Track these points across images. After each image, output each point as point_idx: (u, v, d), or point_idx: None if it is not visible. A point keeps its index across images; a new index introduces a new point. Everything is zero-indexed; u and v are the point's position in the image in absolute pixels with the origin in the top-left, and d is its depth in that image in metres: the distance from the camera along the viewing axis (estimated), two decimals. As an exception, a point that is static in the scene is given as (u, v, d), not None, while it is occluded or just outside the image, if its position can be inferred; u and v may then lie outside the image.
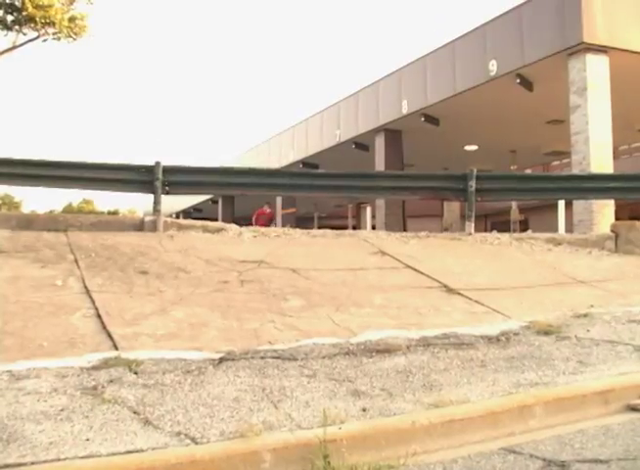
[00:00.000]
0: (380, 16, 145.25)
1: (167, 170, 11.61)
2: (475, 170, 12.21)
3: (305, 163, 28.83)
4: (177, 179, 11.84)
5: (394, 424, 4.09)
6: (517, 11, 18.11)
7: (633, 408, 4.77)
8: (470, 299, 7.88)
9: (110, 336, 5.85)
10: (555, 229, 16.59)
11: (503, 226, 25.60)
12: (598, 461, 3.59)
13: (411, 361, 5.60)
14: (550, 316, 7.23)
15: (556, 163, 30.87)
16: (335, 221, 38.53)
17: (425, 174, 13.20)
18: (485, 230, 27.03)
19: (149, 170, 11.52)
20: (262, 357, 5.54)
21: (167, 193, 11.64)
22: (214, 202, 39.12)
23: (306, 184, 12.47)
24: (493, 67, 18.58)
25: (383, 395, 4.74)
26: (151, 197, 11.63)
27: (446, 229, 25.09)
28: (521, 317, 7.12)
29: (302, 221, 33.82)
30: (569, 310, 7.54)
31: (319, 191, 13.06)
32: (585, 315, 7.32)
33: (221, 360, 5.40)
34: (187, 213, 45.52)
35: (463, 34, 20.17)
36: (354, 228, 33.33)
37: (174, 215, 43.29)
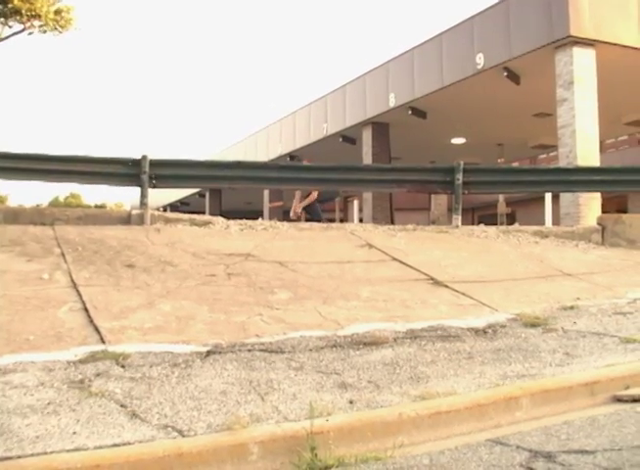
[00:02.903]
0: (367, 9, 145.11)
1: (154, 164, 11.56)
2: (462, 163, 12.23)
3: (293, 156, 28.81)
4: (164, 173, 11.79)
5: (381, 416, 4.09)
6: (504, 4, 18.16)
7: (619, 399, 4.79)
8: (457, 291, 7.89)
9: (97, 329, 5.84)
10: (542, 222, 16.65)
11: (490, 219, 25.68)
12: (584, 452, 3.61)
13: (398, 354, 5.61)
14: (537, 309, 7.26)
15: (543, 156, 31.02)
16: (323, 215, 38.54)
17: (412, 167, 13.19)
18: (473, 223, 27.09)
19: (136, 164, 11.47)
20: (250, 350, 5.54)
21: (154, 186, 11.59)
22: (202, 195, 39.05)
23: (294, 177, 12.45)
24: (480, 60, 18.64)
25: (370, 387, 4.75)
26: (138, 190, 11.59)
27: (434, 222, 25.21)
28: (507, 310, 7.15)
29: (289, 215, 33.78)
30: (555, 303, 7.57)
31: (307, 184, 13.07)
32: (572, 308, 7.35)
33: (209, 353, 5.40)
34: (174, 207, 45.38)
35: (450, 27, 20.20)
36: (342, 221, 33.32)
37: (162, 209, 43.18)
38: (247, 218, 12.15)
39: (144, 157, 11.44)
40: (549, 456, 3.54)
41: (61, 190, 75.45)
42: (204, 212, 34.30)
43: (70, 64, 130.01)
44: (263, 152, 31.84)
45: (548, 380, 4.87)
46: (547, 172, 13.65)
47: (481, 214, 36.03)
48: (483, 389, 4.68)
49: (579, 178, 13.02)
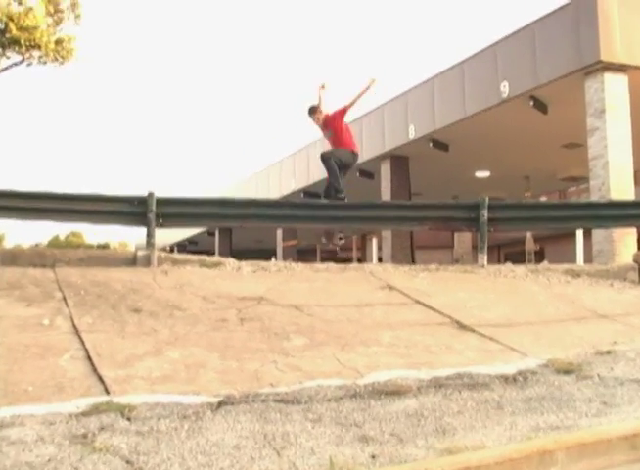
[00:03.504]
0: (384, 37, 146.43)
1: (161, 202, 11.62)
2: (487, 199, 12.23)
3: (307, 192, 28.89)
4: (172, 211, 11.86)
5: (406, 473, 4.06)
6: (529, 29, 18.15)
7: (662, 453, 4.74)
8: (484, 335, 7.85)
9: (100, 379, 5.83)
10: (573, 260, 16.63)
11: (517, 257, 25.63)
12: (626, 511, 3.56)
13: (422, 404, 5.57)
14: (570, 354, 7.20)
15: (573, 189, 30.90)
16: (339, 254, 38.59)
17: (434, 203, 13.26)
18: (499, 261, 27.00)
19: (142, 202, 11.53)
20: (264, 401, 5.51)
21: (162, 226, 11.65)
22: (211, 234, 39.18)
23: (309, 215, 12.48)
24: (505, 88, 18.65)
25: (393, 440, 4.71)
26: (143, 229, 11.64)
27: (457, 261, 25.17)
28: (539, 355, 7.09)
29: (304, 254, 33.84)
30: (590, 347, 7.51)
31: (322, 222, 13.09)
32: (608, 352, 7.28)
33: (220, 404, 5.37)
34: (182, 246, 45.54)
35: (472, 55, 20.25)
36: (359, 261, 33.34)
37: (168, 248, 43.34)
38: (259, 257, 12.19)
39: (150, 194, 11.50)
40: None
41: (61, 228, 75.84)
42: (213, 251, 34.45)
43: (72, 95, 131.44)
44: (276, 187, 31.94)
45: (585, 432, 4.82)
46: (578, 207, 13.65)
47: (508, 252, 35.94)
48: (515, 442, 4.64)
49: (613, 213, 13.00)
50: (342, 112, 12.37)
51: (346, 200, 12.47)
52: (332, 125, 12.45)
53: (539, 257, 27.12)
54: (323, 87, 12.66)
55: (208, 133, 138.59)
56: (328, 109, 12.59)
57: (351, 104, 12.36)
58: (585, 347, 7.53)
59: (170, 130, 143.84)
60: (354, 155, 12.59)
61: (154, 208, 11.43)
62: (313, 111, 12.51)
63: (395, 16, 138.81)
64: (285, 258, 28.31)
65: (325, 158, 12.46)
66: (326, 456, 4.30)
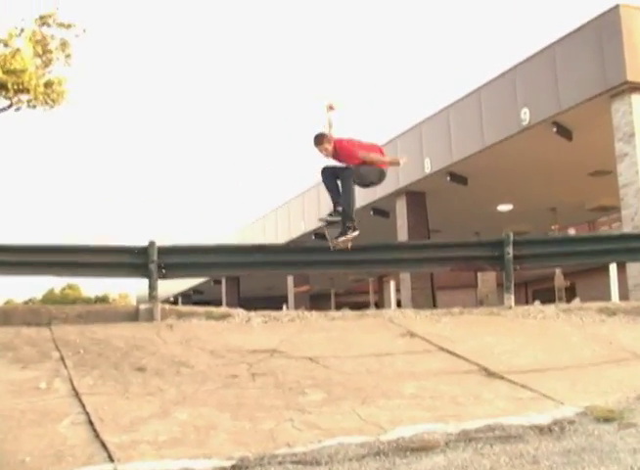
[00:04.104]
0: (394, 65, 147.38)
1: (163, 251, 11.66)
2: (511, 235, 12.22)
3: (318, 234, 28.93)
4: (175, 261, 11.90)
5: None
6: (549, 51, 18.21)
7: None
8: (514, 383, 7.80)
9: (104, 445, 5.81)
10: (606, 295, 16.50)
11: (546, 294, 25.53)
12: None
13: (451, 460, 5.52)
14: (609, 400, 7.14)
15: (603, 219, 30.84)
16: (354, 298, 38.58)
17: (455, 242, 13.25)
18: (526, 300, 26.89)
19: (142, 252, 11.56)
20: (280, 463, 5.48)
21: (164, 277, 11.67)
22: (217, 282, 39.26)
23: (321, 260, 12.48)
24: (525, 115, 18.72)
25: (421, 502, 4.67)
26: (144, 281, 11.67)
27: (482, 302, 25.09)
28: (575, 402, 7.03)
29: (317, 300, 33.84)
30: (631, 392, 7.43)
31: (336, 267, 13.08)
32: (651, 397, 7.23)
33: (234, 468, 5.35)
34: (186, 296, 45.64)
35: (489, 81, 20.35)
36: (377, 305, 33.31)
37: (172, 299, 43.41)
38: (269, 306, 12.20)
39: (151, 243, 11.54)
40: None
41: (56, 281, 75.90)
42: (220, 301, 34.50)
43: (65, 140, 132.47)
44: (285, 230, 32.02)
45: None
46: (609, 240, 13.59)
47: (536, 289, 35.80)
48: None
49: (646, 245, 12.96)
50: (360, 147, 10.90)
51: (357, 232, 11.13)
52: (347, 158, 10.91)
53: (570, 293, 27.03)
54: (332, 108, 11.18)
55: (210, 178, 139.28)
56: (340, 135, 11.01)
57: (366, 158, 10.86)
58: (626, 391, 7.46)
59: (170, 175, 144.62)
60: (381, 172, 11.10)
61: (155, 258, 11.46)
62: (319, 141, 10.81)
63: (408, 41, 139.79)
64: (297, 306, 28.35)
65: (345, 175, 10.93)
66: (350, 522, 4.26)
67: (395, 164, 11.51)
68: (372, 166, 10.91)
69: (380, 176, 11.16)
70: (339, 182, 11.06)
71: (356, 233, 10.98)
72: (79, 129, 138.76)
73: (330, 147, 10.81)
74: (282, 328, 10.42)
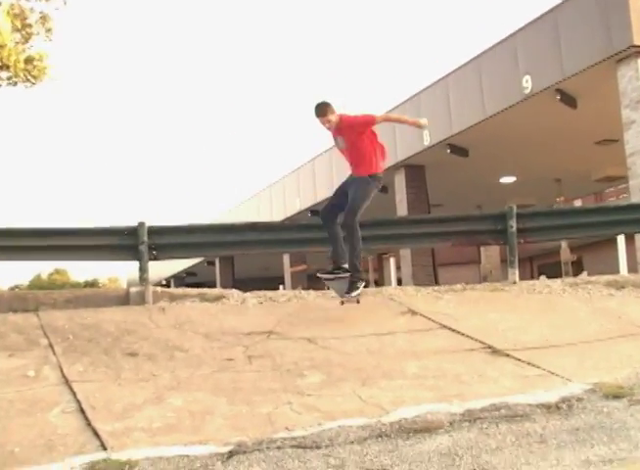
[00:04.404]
0: (391, 35, 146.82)
1: (154, 231, 11.63)
2: (514, 207, 12.23)
3: (314, 211, 28.91)
4: (166, 241, 11.87)
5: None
6: (551, 15, 18.07)
7: None
8: (520, 360, 7.82)
9: (96, 434, 5.83)
10: (615, 269, 16.56)
11: (552, 269, 25.56)
12: None
13: (456, 441, 5.54)
14: (619, 376, 7.16)
15: (610, 190, 30.83)
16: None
17: (456, 216, 13.21)
18: (532, 275, 26.92)
19: (132, 233, 11.53)
20: (279, 447, 5.50)
21: (155, 258, 11.65)
22: (211, 263, 39.24)
23: (317, 238, 12.45)
24: (528, 83, 18.64)
25: (425, 484, 4.69)
26: (135, 263, 11.65)
27: (485, 278, 25.07)
28: (583, 379, 7.05)
29: (315, 279, 33.76)
30: (641, 367, 7.47)
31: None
32: (662, 372, 7.26)
33: (231, 454, 5.36)
34: (179, 279, 45.62)
35: (489, 48, 20.25)
36: (376, 283, 33.34)
37: (164, 282, 43.43)
38: (265, 287, 12.19)
39: (141, 224, 11.50)
40: None
41: (43, 266, 75.78)
42: (213, 283, 34.50)
43: (48, 117, 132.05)
44: (280, 208, 32.00)
45: (641, 465, 4.79)
46: (617, 211, 13.61)
47: (542, 264, 35.90)
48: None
49: (657, 214, 12.96)
50: (368, 121, 9.88)
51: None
52: (348, 136, 9.88)
53: (577, 267, 27.07)
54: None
55: (201, 154, 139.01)
56: (347, 111, 10.06)
57: (384, 119, 10.62)
58: (636, 367, 7.48)
59: (159, 153, 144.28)
60: (374, 181, 9.96)
61: (145, 239, 11.43)
62: (323, 111, 9.77)
63: (404, 10, 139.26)
64: (294, 286, 28.38)
65: (348, 223, 9.80)
66: (352, 506, 4.28)
67: (418, 125, 10.66)
68: (363, 178, 9.83)
69: (372, 185, 9.92)
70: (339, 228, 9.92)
71: (364, 284, 9.86)
72: (62, 107, 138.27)
73: (334, 119, 9.77)
74: (278, 309, 10.43)
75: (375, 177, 9.95)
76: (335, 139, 10.17)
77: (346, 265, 9.85)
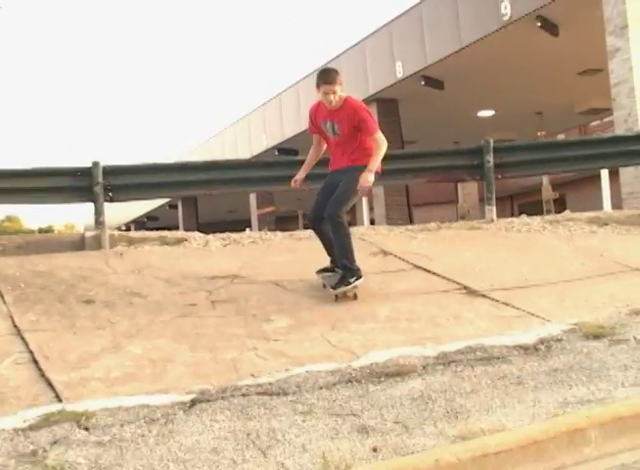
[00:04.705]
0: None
1: (109, 172, 11.55)
2: (491, 141, 12.23)
3: (282, 149, 28.82)
4: (123, 182, 11.81)
5: (413, 464, 4.09)
6: None
7: None
8: (496, 301, 7.89)
9: (50, 385, 5.83)
10: (599, 207, 16.60)
11: (534, 208, 25.64)
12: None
13: (429, 384, 5.61)
14: (600, 315, 7.24)
15: (595, 123, 30.87)
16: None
17: (430, 151, 13.21)
18: (512, 214, 27.02)
19: (85, 173, 11.45)
20: (244, 395, 5.54)
21: (112, 200, 11.60)
22: (173, 206, 39.08)
23: (284, 176, 12.37)
24: (507, 9, 18.51)
25: (397, 429, 4.74)
26: (91, 207, 11.58)
27: (463, 217, 25.15)
28: (563, 319, 7.13)
29: (284, 222, 33.81)
30: (623, 306, 7.55)
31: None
32: (645, 311, 7.34)
33: (193, 403, 5.40)
34: (140, 224, 45.47)
35: (463, -27, 20.11)
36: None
37: (124, 228, 43.25)
38: (230, 230, 12.14)
39: (95, 164, 11.42)
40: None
41: (-7, 213, 74.86)
42: (176, 227, 34.34)
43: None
44: (245, 146, 31.85)
45: (621, 405, 4.85)
46: (600, 143, 13.65)
47: (522, 203, 36.03)
48: (540, 421, 4.67)
49: (642, 147, 12.98)
50: (371, 128, 8.45)
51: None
52: (346, 124, 8.44)
53: (560, 206, 27.15)
54: None
55: (159, 91, 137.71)
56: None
57: (376, 143, 8.51)
58: (618, 306, 7.57)
59: (114, 90, 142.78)
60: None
61: (100, 179, 11.36)
62: (332, 77, 8.41)
63: None
64: (261, 229, 28.27)
65: (333, 213, 8.47)
66: (319, 453, 4.33)
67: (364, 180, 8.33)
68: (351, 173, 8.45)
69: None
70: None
71: (361, 281, 8.32)
72: (11, 37, 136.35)
73: (340, 94, 8.35)
74: (243, 251, 10.43)
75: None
76: (324, 123, 8.63)
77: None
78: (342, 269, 8.39)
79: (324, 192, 8.76)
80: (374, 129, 8.48)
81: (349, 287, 8.21)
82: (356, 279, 8.24)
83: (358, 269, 8.35)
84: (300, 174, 9.16)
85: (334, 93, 8.33)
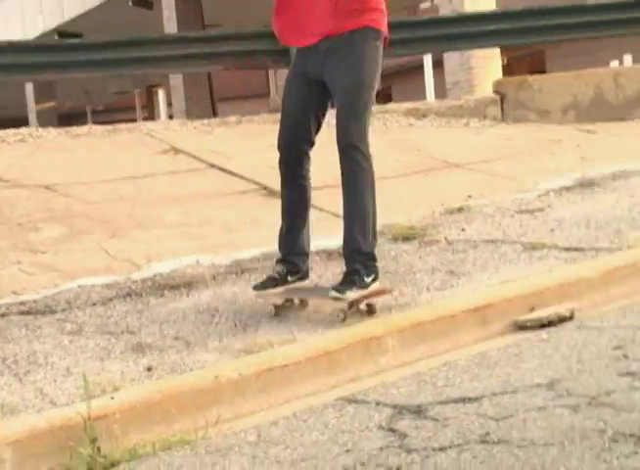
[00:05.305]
0: None
1: None
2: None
3: (63, 32, 28.08)
4: None
5: (190, 383, 4.10)
6: None
7: (521, 327, 4.95)
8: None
9: None
10: (424, 98, 16.91)
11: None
12: (466, 400, 3.73)
13: (218, 296, 5.65)
14: (412, 216, 7.43)
15: (425, 5, 31.19)
16: (117, 115, 37.90)
17: (228, 34, 13.08)
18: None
19: None
20: (4, 315, 5.48)
21: None
22: None
23: (67, 61, 12.04)
24: None
25: (177, 345, 4.77)
26: None
27: (275, 111, 25.23)
28: (373, 221, 7.25)
29: (69, 119, 33.19)
30: (438, 205, 7.77)
31: (84, 70, 12.60)
32: (460, 209, 7.58)
33: None
34: None
35: None
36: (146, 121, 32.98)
37: None
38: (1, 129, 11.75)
39: None
40: (419, 411, 3.67)
41: None
42: None
43: None
44: (17, 29, 30.86)
45: (422, 310, 5.01)
46: (421, 25, 13.73)
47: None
48: (332, 331, 4.77)
49: (466, 30, 13.14)
50: None
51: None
52: None
53: (385, 99, 27.54)
54: None
55: None
56: None
57: None
58: (432, 205, 7.79)
59: None
60: (379, 40, 5.44)
61: None
62: None
63: None
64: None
65: (354, 154, 5.48)
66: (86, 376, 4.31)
67: None
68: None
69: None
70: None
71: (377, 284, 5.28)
72: None
73: None
74: (8, 151, 10.10)
75: (379, 32, 5.39)
76: None
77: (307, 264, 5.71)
78: (357, 255, 5.34)
79: (299, 97, 5.66)
80: None
81: (366, 291, 5.16)
82: (374, 279, 5.25)
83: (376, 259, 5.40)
84: None
85: None
